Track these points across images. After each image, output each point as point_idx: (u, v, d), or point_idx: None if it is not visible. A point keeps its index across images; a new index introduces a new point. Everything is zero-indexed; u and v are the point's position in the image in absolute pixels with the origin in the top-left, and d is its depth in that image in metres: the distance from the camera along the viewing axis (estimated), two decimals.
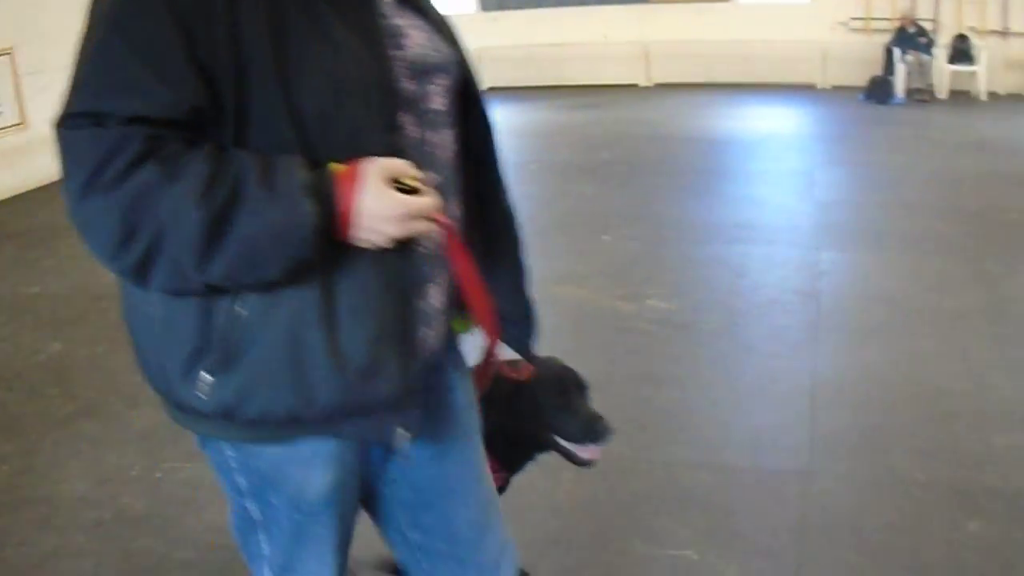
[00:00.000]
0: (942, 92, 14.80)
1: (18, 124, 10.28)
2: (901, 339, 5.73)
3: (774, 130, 12.65)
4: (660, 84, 15.64)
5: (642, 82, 15.75)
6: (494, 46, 14.58)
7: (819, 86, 15.45)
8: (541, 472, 3.07)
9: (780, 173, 10.28)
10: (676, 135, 11.94)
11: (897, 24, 14.77)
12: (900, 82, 14.49)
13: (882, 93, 14.37)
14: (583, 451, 2.69)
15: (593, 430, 2.68)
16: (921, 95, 14.62)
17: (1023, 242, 7.58)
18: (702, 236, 7.78)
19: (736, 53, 15.47)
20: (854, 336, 5.80)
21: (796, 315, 6.09)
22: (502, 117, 12.35)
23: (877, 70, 14.67)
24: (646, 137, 11.67)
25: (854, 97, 14.55)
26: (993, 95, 14.67)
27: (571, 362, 2.79)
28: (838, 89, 15.19)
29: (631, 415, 4.56)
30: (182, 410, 1.87)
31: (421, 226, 1.75)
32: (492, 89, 14.20)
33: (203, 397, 1.79)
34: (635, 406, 4.78)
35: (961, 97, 14.63)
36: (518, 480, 2.85)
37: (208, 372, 1.77)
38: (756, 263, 7.12)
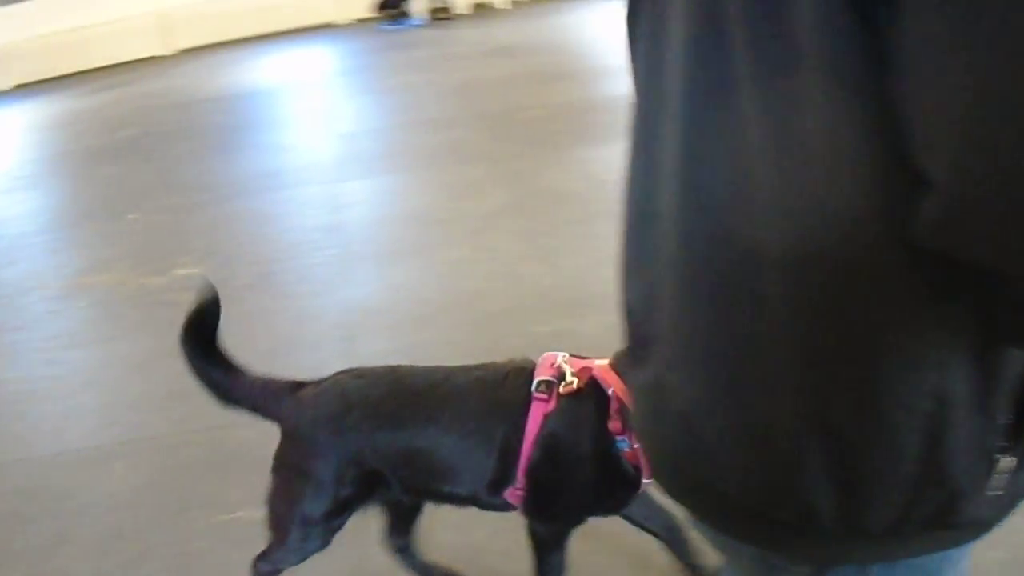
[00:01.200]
0: (463, 8, 15.26)
1: None
2: (433, 252, 5.87)
3: (297, 75, 12.61)
4: (185, 50, 15.27)
5: (164, 52, 15.32)
6: (12, 41, 13.86)
7: (339, 23, 15.51)
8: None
9: (303, 115, 10.30)
10: (200, 98, 11.67)
11: None
12: (416, 3, 14.74)
13: (398, 16, 14.60)
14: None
15: None
16: (441, 14, 14.97)
17: (544, 137, 7.87)
18: (230, 193, 7.66)
19: (254, 6, 15.31)
20: (384, 260, 5.89)
21: (325, 252, 6.11)
22: (26, 115, 11.84)
23: None
24: (169, 106, 11.36)
25: (374, 28, 14.72)
26: (517, 3, 15.23)
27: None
28: (361, 23, 15.29)
29: (174, 389, 4.44)
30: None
31: None
32: (19, 87, 13.56)
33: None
34: (178, 380, 4.68)
35: (483, 9, 15.11)
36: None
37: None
38: (282, 208, 7.10)
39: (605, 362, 2.45)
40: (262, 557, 2.72)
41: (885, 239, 1.02)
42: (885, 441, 1.13)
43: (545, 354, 2.55)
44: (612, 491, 2.57)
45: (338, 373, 2.70)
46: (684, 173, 1.20)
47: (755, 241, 1.11)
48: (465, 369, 2.64)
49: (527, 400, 2.48)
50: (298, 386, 2.67)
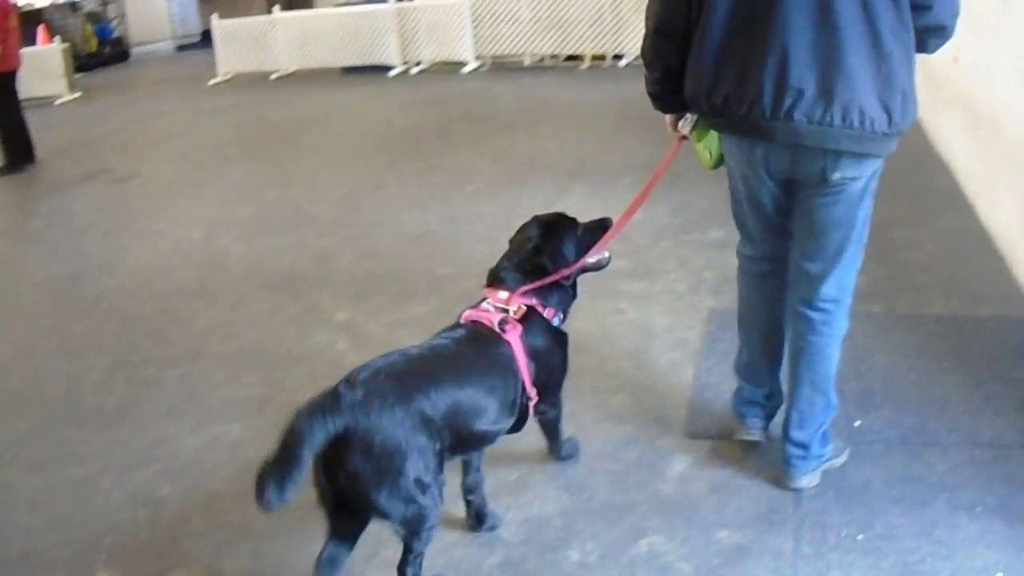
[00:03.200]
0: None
1: None
2: None
3: None
4: None
5: None
6: None
7: None
8: None
9: None
10: None
11: None
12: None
13: None
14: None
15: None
16: None
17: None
18: None
19: None
20: None
21: None
22: None
23: None
24: None
25: None
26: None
27: None
28: None
29: None
30: (889, 137, 3.17)
31: None
32: None
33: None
34: None
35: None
36: None
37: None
38: None
39: (504, 293, 3.53)
40: (411, 561, 3.11)
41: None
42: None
43: (468, 312, 3.50)
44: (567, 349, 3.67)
45: (355, 371, 3.10)
46: None
47: None
48: (442, 339, 3.39)
49: (499, 338, 3.37)
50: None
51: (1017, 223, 5.60)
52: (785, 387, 3.79)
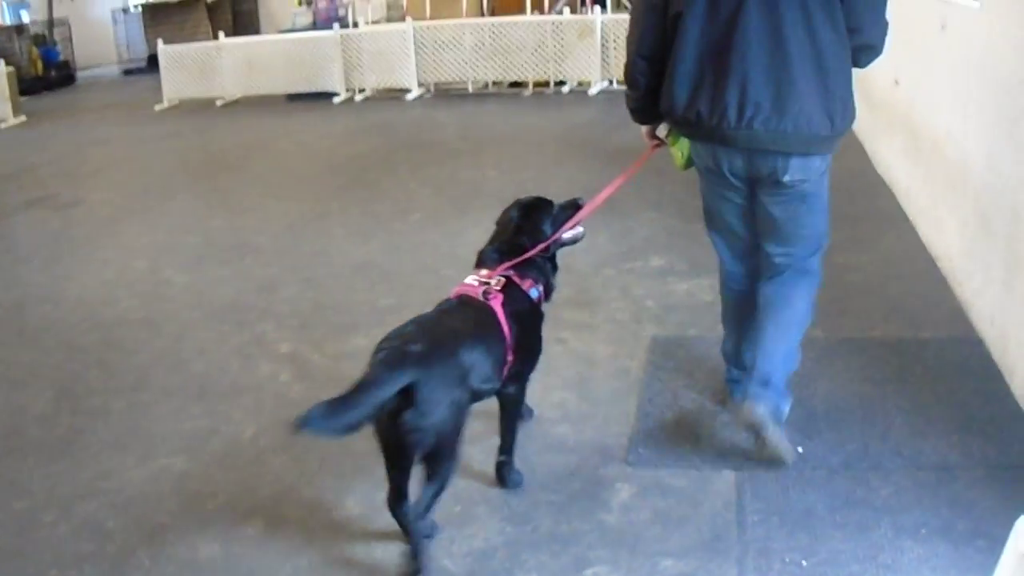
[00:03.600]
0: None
1: None
2: None
3: None
4: None
5: None
6: None
7: None
8: None
9: None
10: None
11: None
12: None
13: None
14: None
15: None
16: None
17: None
18: None
19: None
20: None
21: None
22: None
23: None
24: None
25: None
26: None
27: None
28: None
29: None
30: (831, 139, 3.92)
31: None
32: None
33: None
34: None
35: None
36: None
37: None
38: None
39: (485, 270, 4.08)
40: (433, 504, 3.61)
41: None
42: None
43: (460, 288, 4.00)
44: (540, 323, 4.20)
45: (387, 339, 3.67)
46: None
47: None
48: (440, 309, 3.94)
49: (485, 304, 3.88)
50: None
51: (959, 244, 5.76)
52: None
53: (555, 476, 4.20)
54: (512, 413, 4.12)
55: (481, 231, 7.29)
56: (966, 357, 5.00)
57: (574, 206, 4.36)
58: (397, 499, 3.59)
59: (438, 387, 3.46)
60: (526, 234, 4.21)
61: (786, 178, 3.93)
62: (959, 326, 5.38)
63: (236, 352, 5.81)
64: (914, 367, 4.90)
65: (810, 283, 4.24)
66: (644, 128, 4.53)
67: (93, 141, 14.53)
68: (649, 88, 4.18)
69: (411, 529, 3.58)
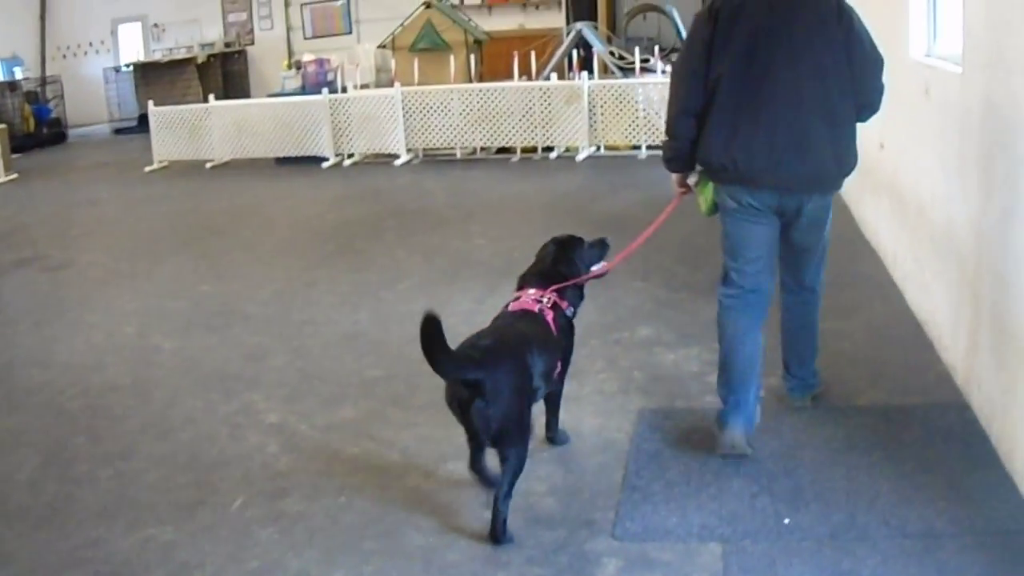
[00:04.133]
0: None
1: None
2: None
3: None
4: None
5: None
6: None
7: None
8: None
9: None
10: None
11: None
12: None
13: None
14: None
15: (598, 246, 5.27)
16: None
17: None
18: None
19: None
20: None
21: None
22: None
23: None
24: None
25: None
26: None
27: None
28: None
29: None
30: (840, 178, 4.89)
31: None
32: None
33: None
34: None
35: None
36: None
37: None
38: None
39: (533, 290, 4.92)
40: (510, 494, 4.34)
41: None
42: None
43: (512, 303, 4.90)
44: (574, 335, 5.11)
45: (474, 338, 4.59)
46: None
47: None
48: (504, 319, 4.86)
49: (542, 316, 4.78)
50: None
51: (945, 309, 5.80)
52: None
53: (543, 550, 4.23)
54: (554, 409, 5.14)
55: (468, 301, 7.46)
56: (953, 423, 5.05)
57: (601, 244, 5.27)
58: (476, 462, 4.57)
59: (502, 382, 4.27)
60: (563, 264, 5.09)
61: (807, 210, 4.86)
62: (946, 391, 5.43)
63: (224, 421, 5.84)
64: (901, 434, 4.96)
65: (820, 301, 5.38)
66: (675, 176, 5.17)
67: (83, 201, 14.62)
68: (689, 139, 4.88)
69: (488, 479, 4.54)
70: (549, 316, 4.78)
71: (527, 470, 4.60)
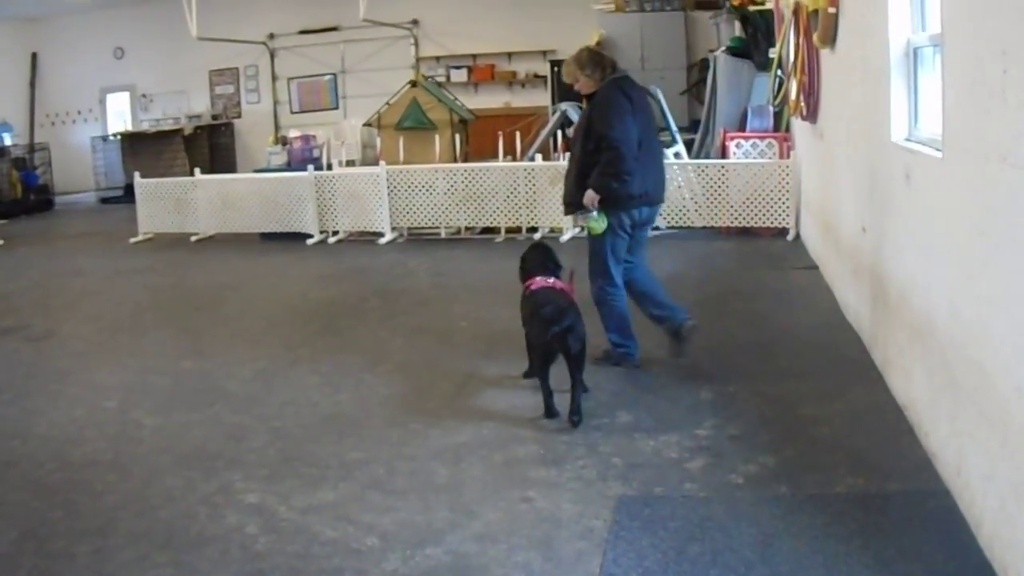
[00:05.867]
0: None
1: None
2: None
3: None
4: None
5: None
6: None
7: None
8: None
9: None
10: None
11: None
12: None
13: None
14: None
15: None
16: None
17: None
18: None
19: None
20: None
21: None
22: None
23: None
24: None
25: None
26: None
27: None
28: None
29: None
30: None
31: None
32: None
33: None
34: None
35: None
36: None
37: None
38: None
39: (540, 277, 7.40)
40: (583, 381, 6.99)
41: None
42: None
43: (536, 283, 7.34)
44: None
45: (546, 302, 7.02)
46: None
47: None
48: (549, 295, 7.14)
49: (566, 291, 7.32)
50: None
51: (926, 393, 5.82)
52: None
53: None
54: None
55: (449, 384, 7.52)
56: (932, 509, 5.07)
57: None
58: (546, 376, 6.89)
59: (579, 323, 6.86)
60: (551, 260, 7.63)
61: (654, 215, 8.03)
62: (926, 477, 5.45)
63: (204, 500, 5.85)
64: (880, 521, 4.97)
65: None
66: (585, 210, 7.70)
67: (68, 271, 14.68)
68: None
69: (550, 391, 6.88)
70: (567, 287, 7.35)
71: (504, 559, 4.65)
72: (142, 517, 5.69)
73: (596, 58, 7.68)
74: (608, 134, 7.32)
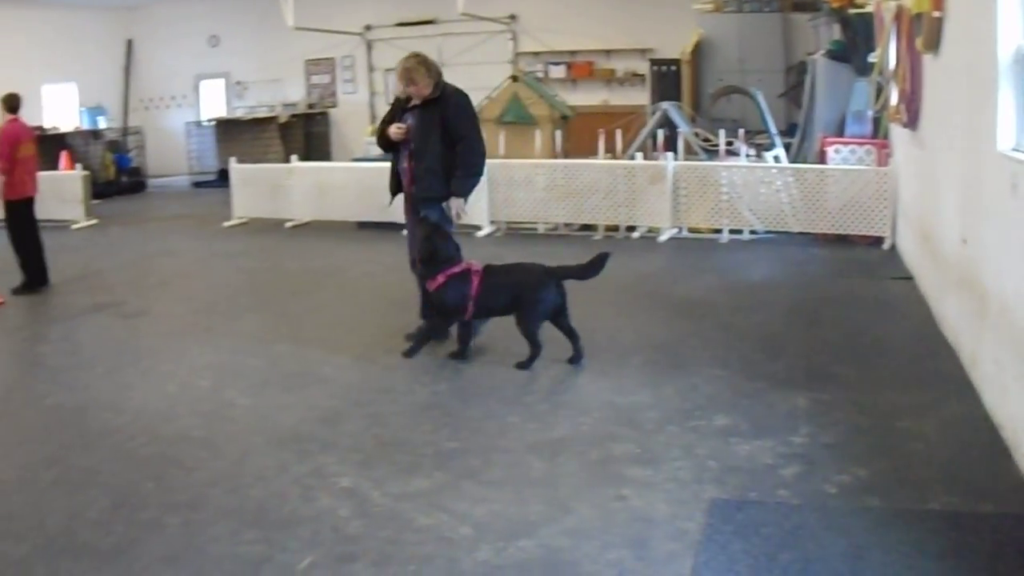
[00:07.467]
0: None
1: None
2: None
3: None
4: None
5: None
6: None
7: None
8: None
9: None
10: None
11: None
12: None
13: None
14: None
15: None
16: None
17: None
18: None
19: None
20: None
21: None
22: None
23: None
24: None
25: None
26: None
27: None
28: None
29: None
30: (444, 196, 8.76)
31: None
32: None
33: None
34: None
35: None
36: None
37: None
38: None
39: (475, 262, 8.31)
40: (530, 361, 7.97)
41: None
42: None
43: (474, 264, 8.38)
44: None
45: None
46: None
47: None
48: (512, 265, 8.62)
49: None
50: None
51: (1023, 414, 5.63)
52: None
53: None
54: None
55: (547, 381, 7.37)
56: None
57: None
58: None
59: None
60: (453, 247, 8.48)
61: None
62: (1020, 500, 5.27)
63: (296, 482, 5.79)
64: (973, 542, 4.79)
65: None
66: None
67: (161, 251, 14.81)
68: None
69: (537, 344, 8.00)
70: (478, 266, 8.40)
71: (596, 555, 4.52)
72: (233, 494, 5.65)
73: (437, 65, 8.46)
74: (473, 135, 8.43)
